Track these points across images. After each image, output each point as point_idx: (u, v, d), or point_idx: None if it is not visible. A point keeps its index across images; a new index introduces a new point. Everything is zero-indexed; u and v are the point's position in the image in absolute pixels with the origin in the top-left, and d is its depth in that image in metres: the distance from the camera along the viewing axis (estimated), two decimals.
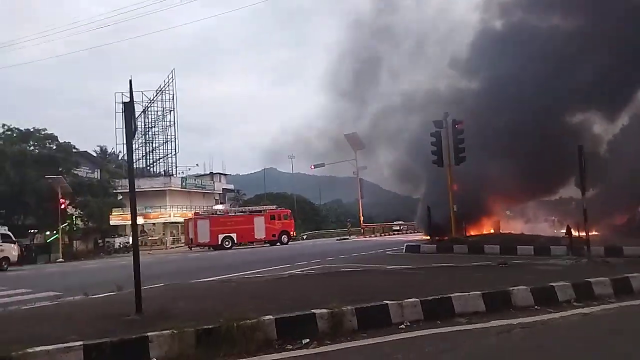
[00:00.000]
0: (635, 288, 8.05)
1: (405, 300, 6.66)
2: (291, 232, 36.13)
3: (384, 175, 36.59)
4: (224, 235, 33.76)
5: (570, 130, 23.29)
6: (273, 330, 5.70)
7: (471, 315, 6.82)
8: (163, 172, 51.09)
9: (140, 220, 48.42)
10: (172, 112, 49.23)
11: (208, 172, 58.97)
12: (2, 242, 24.60)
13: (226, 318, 5.57)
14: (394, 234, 43.15)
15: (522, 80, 23.06)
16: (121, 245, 40.24)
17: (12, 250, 24.74)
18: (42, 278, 17.78)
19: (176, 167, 50.87)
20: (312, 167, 45.21)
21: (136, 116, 6.69)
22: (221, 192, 59.01)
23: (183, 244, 47.09)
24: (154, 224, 50.46)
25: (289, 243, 34.80)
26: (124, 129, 6.40)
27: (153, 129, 51.66)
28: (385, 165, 34.66)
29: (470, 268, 11.21)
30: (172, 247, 46.37)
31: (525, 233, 23.27)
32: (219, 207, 55.05)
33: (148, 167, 54.02)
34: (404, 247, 20.46)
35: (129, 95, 6.46)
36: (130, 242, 41.80)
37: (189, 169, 57.00)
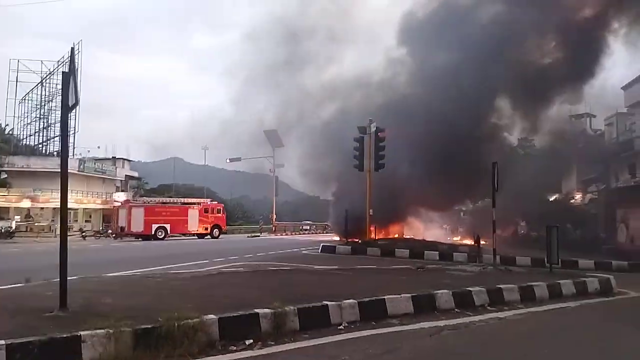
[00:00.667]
0: (538, 295, 9.00)
1: (344, 302, 6.80)
2: (223, 227, 35.95)
3: (292, 174, 37.00)
4: (158, 225, 32.43)
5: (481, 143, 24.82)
6: (216, 330, 5.48)
7: (402, 317, 7.16)
8: (56, 152, 46.49)
9: (26, 204, 43.69)
10: None
11: (110, 157, 54.72)
12: None
13: (166, 317, 5.24)
14: (303, 234, 43.70)
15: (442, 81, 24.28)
16: (2, 230, 35.90)
17: None
18: None
19: (74, 147, 46.55)
20: (228, 160, 44.19)
21: (73, 88, 6.01)
22: (123, 179, 55.12)
23: (77, 233, 43.39)
24: (41, 208, 45.73)
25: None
26: (62, 102, 5.69)
27: (50, 103, 46.79)
28: (297, 164, 34.94)
29: (392, 271, 11.72)
30: None
31: (426, 239, 25.03)
32: (120, 195, 51.56)
33: (40, 146, 48.88)
34: (320, 248, 20.82)
35: (68, 64, 5.79)
36: (13, 227, 37.98)
37: (88, 151, 52.46)
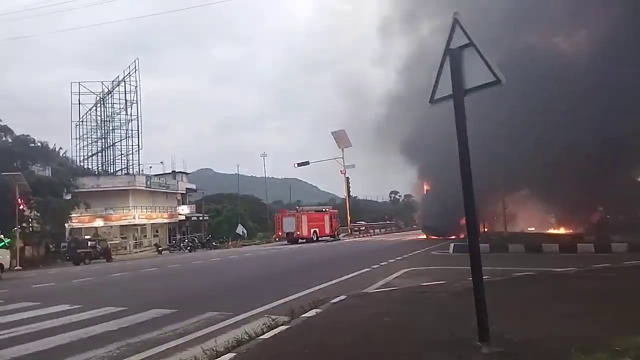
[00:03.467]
0: None
1: None
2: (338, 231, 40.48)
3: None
4: (314, 230, 37.64)
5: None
6: None
7: None
8: (122, 170, 46.68)
9: (99, 223, 43.85)
10: (134, 104, 45.05)
11: (170, 171, 54.74)
12: None
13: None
14: (377, 235, 42.56)
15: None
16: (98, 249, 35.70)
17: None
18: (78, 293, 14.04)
19: (139, 164, 46.72)
20: (296, 165, 43.31)
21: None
22: (184, 191, 55.12)
23: (148, 248, 43.41)
24: (110, 227, 45.91)
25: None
26: (453, 84, 4.51)
27: (111, 122, 47.03)
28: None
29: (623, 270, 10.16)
30: (137, 252, 42.35)
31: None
32: (184, 207, 51.45)
33: (101, 166, 49.19)
34: (451, 248, 19.45)
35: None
36: (89, 245, 37.93)
37: (150, 167, 52.73)
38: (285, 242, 37.05)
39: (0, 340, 6.60)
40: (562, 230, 28.48)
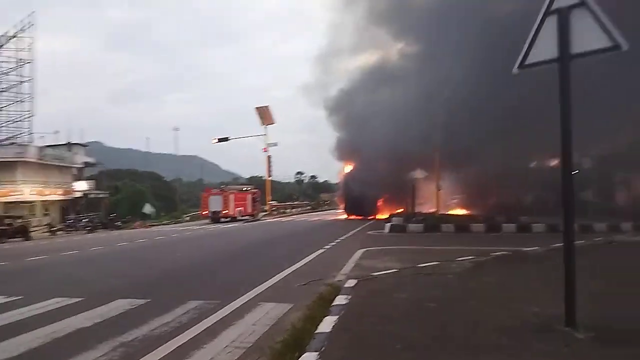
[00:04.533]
0: None
1: None
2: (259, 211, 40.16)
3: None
4: (239, 208, 37.03)
5: None
6: None
7: None
8: (10, 140, 40.58)
9: None
10: (28, 64, 39.09)
11: (65, 142, 48.68)
12: None
13: None
14: (293, 215, 42.31)
15: None
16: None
17: None
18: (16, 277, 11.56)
19: (31, 134, 40.95)
20: (216, 140, 40.92)
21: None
22: (82, 165, 49.58)
23: (37, 228, 38.59)
24: None
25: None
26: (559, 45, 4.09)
27: None
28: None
29: (592, 246, 10.87)
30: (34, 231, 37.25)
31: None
32: (82, 183, 46.53)
33: None
34: (387, 228, 19.76)
35: None
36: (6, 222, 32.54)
37: (42, 136, 46.34)
38: (205, 223, 35.34)
39: None
40: (464, 212, 30.19)
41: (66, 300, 7.14)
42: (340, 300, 5.35)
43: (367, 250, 12.80)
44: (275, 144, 39.08)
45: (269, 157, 39.47)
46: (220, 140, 40.44)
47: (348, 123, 32.39)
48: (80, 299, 7.19)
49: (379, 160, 28.50)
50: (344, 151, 35.05)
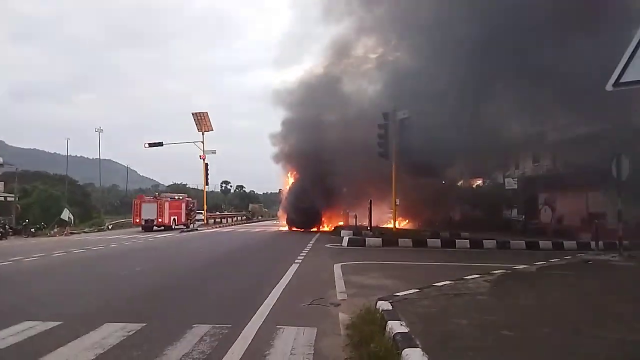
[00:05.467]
0: None
1: None
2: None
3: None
4: (173, 217, 35.27)
5: None
6: None
7: None
8: None
9: None
10: None
11: None
12: None
13: None
14: (225, 225, 40.89)
15: None
16: None
17: None
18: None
19: None
20: (147, 145, 38.26)
21: None
22: None
23: None
24: None
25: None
26: None
27: None
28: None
29: (578, 267, 11.23)
30: None
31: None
32: None
33: None
34: (345, 241, 19.49)
35: None
36: None
37: None
38: (136, 231, 32.83)
39: None
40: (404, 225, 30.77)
41: (40, 324, 5.94)
42: (396, 326, 4.86)
43: (343, 264, 12.38)
44: (213, 152, 37.56)
45: (206, 165, 37.77)
46: (151, 145, 38.00)
47: (298, 131, 31.87)
48: (57, 323, 6.01)
49: (326, 172, 28.36)
50: (290, 160, 34.53)
